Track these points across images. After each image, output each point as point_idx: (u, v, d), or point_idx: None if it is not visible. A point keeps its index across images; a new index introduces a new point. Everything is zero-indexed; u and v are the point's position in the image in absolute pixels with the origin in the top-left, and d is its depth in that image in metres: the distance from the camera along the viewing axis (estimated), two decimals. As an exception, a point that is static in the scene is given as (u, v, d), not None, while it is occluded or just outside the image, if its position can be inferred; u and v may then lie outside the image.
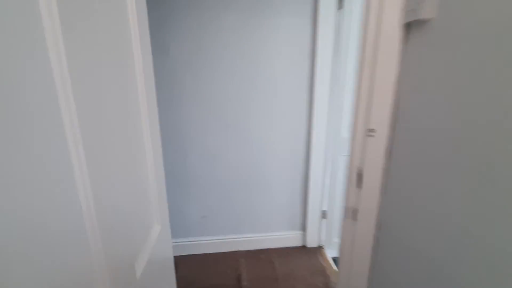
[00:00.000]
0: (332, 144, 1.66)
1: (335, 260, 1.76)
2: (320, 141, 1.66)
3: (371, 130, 0.81)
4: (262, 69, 1.52)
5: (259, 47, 1.48)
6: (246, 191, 1.72)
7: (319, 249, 1.84)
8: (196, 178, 1.66)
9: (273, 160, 1.69)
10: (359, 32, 0.83)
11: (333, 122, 1.63)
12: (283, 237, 1.83)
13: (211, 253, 1.78)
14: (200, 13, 1.40)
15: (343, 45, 1.49)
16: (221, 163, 1.65)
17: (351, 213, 0.92)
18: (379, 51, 0.76)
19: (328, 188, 1.76)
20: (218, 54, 1.46)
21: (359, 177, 0.88)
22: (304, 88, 1.58)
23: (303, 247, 1.86)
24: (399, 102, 0.78)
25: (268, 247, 1.83)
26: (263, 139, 1.64)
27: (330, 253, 1.82)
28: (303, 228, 1.84)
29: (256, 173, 1.70)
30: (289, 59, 1.52)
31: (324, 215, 1.82)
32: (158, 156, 0.73)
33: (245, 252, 1.80)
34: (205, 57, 1.46)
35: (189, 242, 1.75)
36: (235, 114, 1.57)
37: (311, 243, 1.85)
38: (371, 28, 0.77)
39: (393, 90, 0.78)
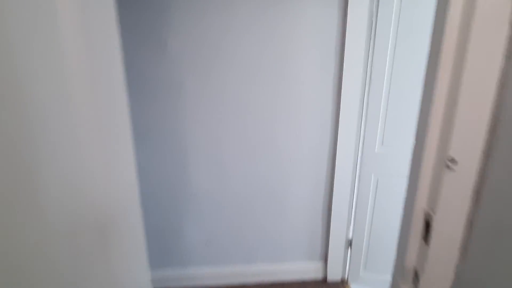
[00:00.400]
0: (362, 160, 1.37)
1: (363, 298, 1.47)
2: (348, 155, 1.37)
3: (451, 161, 0.53)
4: (279, 69, 1.25)
5: (275, 41, 1.22)
6: (258, 213, 1.45)
7: (342, 285, 1.54)
8: (200, 195, 1.41)
9: (291, 178, 1.41)
10: (434, 11, 0.55)
11: (365, 133, 1.33)
12: (300, 268, 1.54)
13: (215, 287, 1.52)
14: (206, 1, 1.15)
15: (380, 39, 1.20)
16: (230, 179, 1.39)
17: (410, 276, 0.64)
18: (471, 38, 0.48)
19: (356, 212, 1.46)
20: (228, 50, 1.21)
21: (427, 226, 0.59)
22: (329, 91, 1.30)
23: (324, 280, 1.56)
24: (501, 120, 0.49)
25: (283, 280, 1.55)
26: (280, 152, 1.37)
27: (356, 288, 1.52)
28: (324, 258, 1.55)
29: (271, 192, 1.43)
30: (312, 56, 1.25)
31: (349, 243, 1.52)
32: (127, 173, 0.47)
33: (256, 286, 1.52)
34: (211, 54, 1.21)
35: (188, 273, 1.49)
36: (248, 122, 1.31)
37: (333, 276, 1.56)
38: (459, 2, 0.49)
39: (492, 100, 0.50)
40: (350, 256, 1.53)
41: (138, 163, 1.32)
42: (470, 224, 0.55)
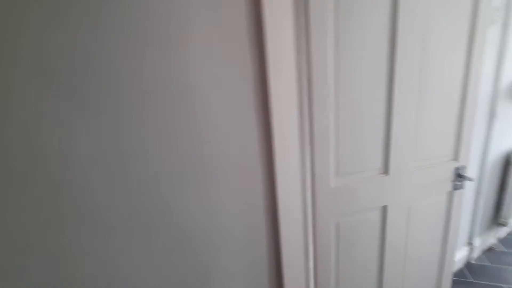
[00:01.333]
0: (315, 201, 0.92)
1: None
2: (293, 201, 0.89)
3: None
4: (161, 80, 0.63)
5: (156, 25, 0.59)
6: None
7: None
8: None
9: (214, 265, 0.83)
10: None
11: (313, 163, 0.88)
12: None
13: None
14: None
15: (317, 21, 0.75)
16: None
17: None
18: None
19: (316, 273, 1.02)
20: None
21: None
22: (250, 108, 0.77)
23: None
24: None
25: None
26: (186, 228, 0.76)
27: None
28: None
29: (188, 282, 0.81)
30: (216, 51, 0.68)
31: (314, 313, 1.08)
32: None
33: None
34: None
35: None
36: (115, 188, 0.64)
37: None
38: None
39: None
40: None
41: None
42: None
